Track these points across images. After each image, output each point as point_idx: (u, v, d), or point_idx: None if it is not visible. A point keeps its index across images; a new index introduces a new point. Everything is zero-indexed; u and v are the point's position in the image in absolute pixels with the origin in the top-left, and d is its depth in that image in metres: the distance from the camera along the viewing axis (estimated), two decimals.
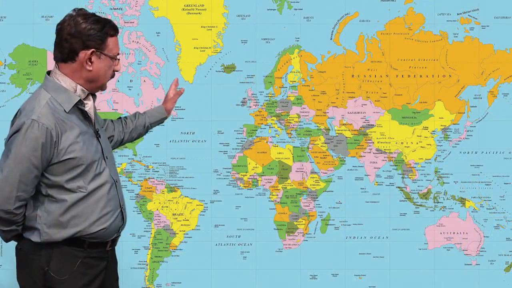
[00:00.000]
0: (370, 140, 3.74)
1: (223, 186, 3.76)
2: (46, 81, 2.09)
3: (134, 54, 3.71)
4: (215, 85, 3.77)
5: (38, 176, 2.03)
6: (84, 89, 2.07)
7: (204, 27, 3.73)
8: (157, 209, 3.71)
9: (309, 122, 3.77)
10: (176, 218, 3.73)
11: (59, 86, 2.05)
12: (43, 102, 2.02)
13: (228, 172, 3.78)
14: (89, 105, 2.14)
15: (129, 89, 3.73)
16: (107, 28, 2.09)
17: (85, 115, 2.13)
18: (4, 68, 3.54)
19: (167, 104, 2.72)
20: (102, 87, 2.15)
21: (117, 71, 2.15)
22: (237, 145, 3.75)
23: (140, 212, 3.74)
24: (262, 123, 3.77)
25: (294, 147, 3.77)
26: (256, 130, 3.77)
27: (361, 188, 3.78)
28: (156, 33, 3.74)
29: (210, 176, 3.78)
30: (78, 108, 2.09)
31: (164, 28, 3.73)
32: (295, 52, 3.73)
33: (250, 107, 3.76)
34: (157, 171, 3.74)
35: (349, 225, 3.77)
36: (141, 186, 3.72)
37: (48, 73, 2.12)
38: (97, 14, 2.13)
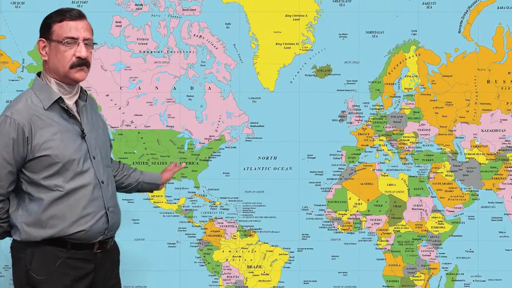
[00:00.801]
0: (511, 167, 3.25)
1: (314, 229, 3.31)
2: (34, 80, 2.22)
3: (196, 52, 3.27)
4: (304, 94, 3.29)
5: (13, 172, 2.11)
6: (58, 81, 2.15)
7: (290, 16, 3.27)
8: (227, 260, 3.32)
9: (430, 143, 3.32)
10: (252, 272, 3.31)
11: (43, 84, 2.16)
12: (22, 99, 2.13)
13: (321, 210, 3.32)
14: (71, 103, 2.19)
15: (189, 99, 3.28)
16: (56, 14, 2.15)
17: (69, 114, 2.18)
18: (22, 71, 3.21)
19: (164, 173, 2.67)
20: (68, 76, 2.15)
21: (78, 57, 2.14)
22: (334, 174, 3.30)
23: (203, 264, 3.31)
24: (367, 145, 3.32)
25: (409, 176, 3.32)
26: (359, 154, 3.32)
27: (500, 232, 3.32)
28: (225, 24, 3.28)
29: (297, 215, 3.31)
30: (61, 106, 2.16)
31: (235, 17, 3.27)
32: (411, 50, 3.29)
33: (351, 123, 3.31)
34: (227, 209, 3.31)
35: (484, 281, 3.33)
36: (205, 229, 3.30)
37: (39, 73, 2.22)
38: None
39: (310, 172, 3.33)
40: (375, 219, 3.35)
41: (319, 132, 3.32)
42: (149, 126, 3.30)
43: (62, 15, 2.15)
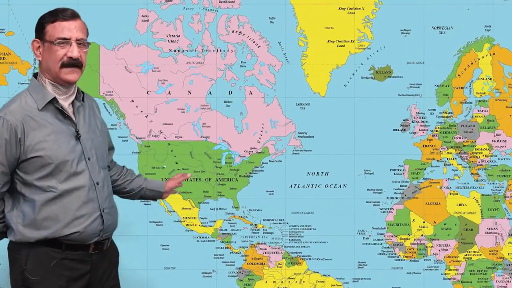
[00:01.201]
0: None
1: (372, 255, 3.27)
2: (31, 80, 2.34)
3: (235, 51, 3.24)
4: (360, 100, 3.25)
5: (6, 173, 2.23)
6: (53, 82, 2.29)
7: (344, 9, 3.24)
8: None
9: (507, 156, 3.26)
10: None
11: (38, 85, 2.28)
12: (17, 100, 2.26)
13: (380, 234, 3.27)
14: (66, 104, 2.32)
15: (227, 106, 3.23)
16: (46, 15, 2.29)
17: (64, 115, 2.29)
18: (33, 72, 3.09)
19: (170, 182, 2.73)
20: (59, 76, 2.27)
21: (69, 57, 2.25)
22: (395, 193, 3.26)
23: None
24: (433, 158, 3.27)
25: (483, 195, 3.27)
26: (425, 169, 3.26)
27: None
28: (269, 18, 3.24)
29: (352, 240, 3.27)
30: (55, 106, 2.29)
31: (281, 10, 3.24)
32: (484, 48, 3.24)
33: (415, 133, 3.27)
34: (271, 233, 3.26)
35: None
36: (246, 256, 3.26)
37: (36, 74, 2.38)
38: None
39: (368, 190, 3.29)
40: (443, 245, 3.29)
41: (378, 143, 3.27)
42: (180, 137, 3.27)
43: (55, 15, 2.28)
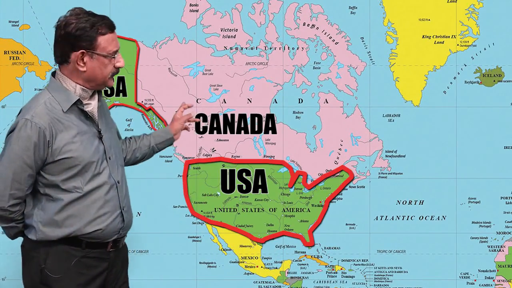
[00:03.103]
0: None
1: None
2: (50, 81, 2.44)
3: (307, 49, 3.06)
4: (463, 110, 3.04)
5: (32, 175, 2.37)
6: (85, 88, 2.41)
7: None
8: None
9: None
10: None
11: (60, 86, 2.40)
12: (40, 102, 2.37)
13: (489, 278, 3.04)
14: (91, 105, 2.46)
15: (297, 118, 3.04)
16: (98, 26, 2.37)
17: (86, 115, 2.43)
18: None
19: (174, 124, 2.80)
20: (105, 84, 2.44)
21: (118, 67, 2.41)
22: (507, 226, 3.01)
23: None
24: None
25: None
26: None
27: None
28: (349, 8, 3.06)
29: (454, 286, 3.03)
30: (79, 108, 2.43)
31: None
32: None
33: None
34: (351, 277, 3.03)
35: None
36: None
37: (54, 73, 2.48)
38: (93, 12, 2.42)
39: (473, 223, 3.09)
40: None
41: (485, 165, 3.07)
42: (238, 156, 3.10)
43: (107, 27, 2.41)
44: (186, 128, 2.86)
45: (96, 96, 2.51)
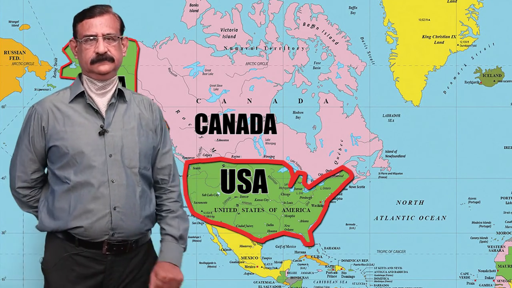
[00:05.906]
0: None
1: None
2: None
3: (307, 49, 3.07)
4: (463, 110, 3.04)
5: (34, 160, 2.46)
6: (90, 78, 2.48)
7: None
8: None
9: None
10: None
11: (78, 81, 2.50)
12: (55, 92, 2.51)
13: (489, 278, 3.05)
14: (103, 100, 2.47)
15: (297, 118, 3.06)
16: (79, 14, 2.51)
17: (94, 109, 2.47)
18: (54, 75, 3.08)
19: (153, 276, 2.51)
20: (92, 70, 2.46)
21: (97, 52, 2.45)
22: (507, 226, 3.03)
23: None
24: None
25: None
26: None
27: None
28: (349, 8, 3.06)
29: (454, 286, 3.04)
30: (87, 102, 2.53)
31: None
32: None
33: None
34: (351, 277, 3.04)
35: None
36: None
37: None
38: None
39: (473, 223, 3.08)
40: None
41: (485, 165, 3.06)
42: (238, 156, 3.10)
43: (82, 14, 2.50)
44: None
45: (113, 92, 2.51)
